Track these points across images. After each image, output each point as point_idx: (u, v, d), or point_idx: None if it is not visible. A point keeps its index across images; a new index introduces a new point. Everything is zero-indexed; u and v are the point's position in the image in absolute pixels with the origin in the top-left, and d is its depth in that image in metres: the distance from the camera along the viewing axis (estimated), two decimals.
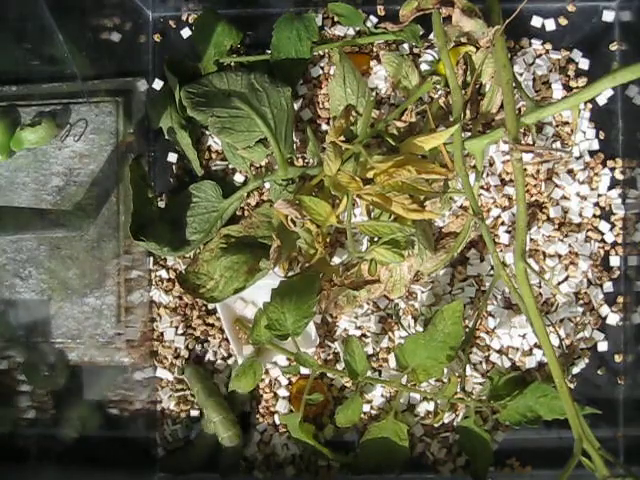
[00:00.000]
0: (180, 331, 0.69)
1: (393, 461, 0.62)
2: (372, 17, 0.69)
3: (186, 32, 0.71)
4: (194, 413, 0.69)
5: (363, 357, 0.60)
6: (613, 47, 0.68)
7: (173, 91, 0.65)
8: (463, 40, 0.64)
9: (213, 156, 0.70)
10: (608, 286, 0.67)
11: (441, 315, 0.59)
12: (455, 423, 0.67)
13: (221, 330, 0.69)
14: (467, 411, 0.63)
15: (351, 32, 0.69)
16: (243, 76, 0.64)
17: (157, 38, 0.71)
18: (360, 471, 0.63)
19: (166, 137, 0.67)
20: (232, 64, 0.68)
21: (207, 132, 0.69)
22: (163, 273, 0.70)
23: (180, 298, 0.70)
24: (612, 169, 0.67)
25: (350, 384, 0.67)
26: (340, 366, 0.67)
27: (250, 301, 0.68)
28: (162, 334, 0.70)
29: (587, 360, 0.67)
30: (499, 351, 0.67)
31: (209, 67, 0.67)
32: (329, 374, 0.68)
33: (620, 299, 0.67)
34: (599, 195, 0.67)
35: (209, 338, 0.69)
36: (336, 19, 0.69)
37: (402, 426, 0.61)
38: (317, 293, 0.61)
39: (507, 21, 0.57)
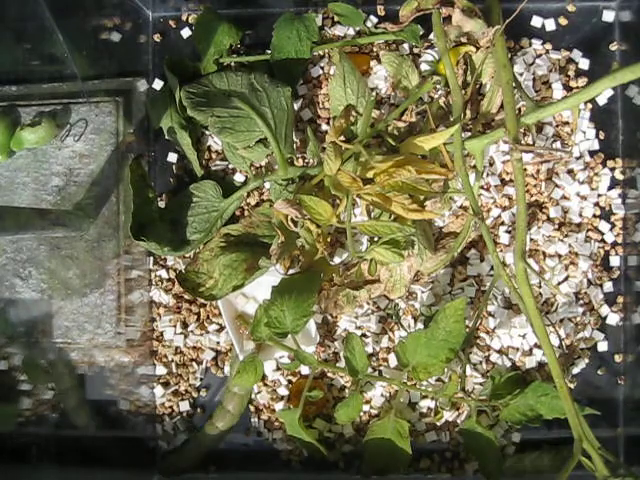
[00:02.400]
0: (179, 330, 0.69)
1: (398, 461, 0.61)
2: (372, 17, 0.69)
3: (186, 32, 0.71)
4: (188, 408, 0.70)
5: (363, 354, 0.60)
6: (613, 47, 0.68)
7: (173, 91, 0.65)
8: (463, 40, 0.64)
9: (213, 156, 0.70)
10: (608, 286, 0.67)
11: (443, 313, 0.59)
12: (459, 421, 0.67)
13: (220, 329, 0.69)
14: (469, 412, 0.63)
15: (351, 32, 0.69)
16: (243, 76, 0.64)
17: (157, 38, 0.71)
18: (366, 473, 0.63)
19: (166, 137, 0.67)
20: (232, 64, 0.68)
21: (207, 132, 0.69)
22: (163, 273, 0.70)
23: (180, 298, 0.70)
24: (612, 169, 0.67)
25: (350, 383, 0.67)
26: (340, 366, 0.67)
27: (251, 297, 0.68)
28: (162, 333, 0.70)
29: (587, 360, 0.67)
30: (499, 351, 0.67)
31: (209, 67, 0.67)
32: (329, 374, 0.68)
33: (620, 299, 0.67)
34: (599, 195, 0.67)
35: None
36: (336, 19, 0.69)
37: (403, 423, 0.61)
38: (317, 292, 0.61)
39: (507, 21, 0.57)
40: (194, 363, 0.70)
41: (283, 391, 0.68)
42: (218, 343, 0.69)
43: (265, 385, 0.69)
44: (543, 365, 0.66)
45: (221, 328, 0.69)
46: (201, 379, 0.70)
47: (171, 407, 0.70)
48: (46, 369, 0.65)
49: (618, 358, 0.67)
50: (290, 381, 0.68)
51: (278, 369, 0.69)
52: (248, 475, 0.69)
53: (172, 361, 0.70)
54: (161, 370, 0.70)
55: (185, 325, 0.70)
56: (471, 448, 0.63)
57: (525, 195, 0.57)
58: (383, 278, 0.64)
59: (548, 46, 0.68)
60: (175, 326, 0.69)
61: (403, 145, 0.61)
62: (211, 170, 0.70)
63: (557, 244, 0.66)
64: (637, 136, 0.66)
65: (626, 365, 0.67)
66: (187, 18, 0.71)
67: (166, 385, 0.70)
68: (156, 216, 0.65)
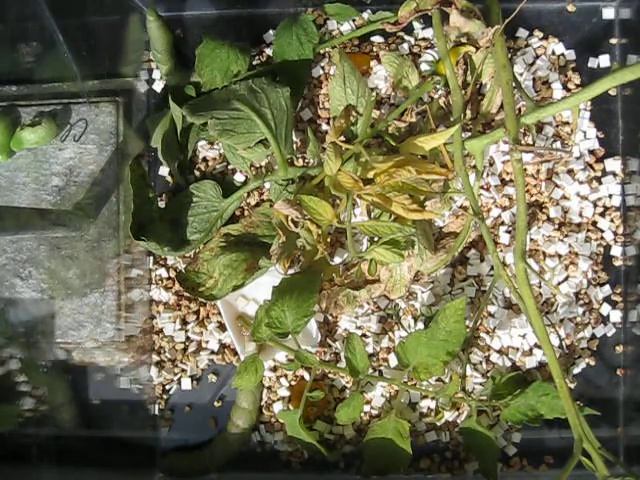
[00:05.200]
0: (179, 328, 0.69)
1: (398, 461, 0.61)
2: (369, 12, 0.69)
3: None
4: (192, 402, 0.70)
5: (364, 354, 0.60)
6: (613, 47, 0.68)
7: (176, 121, 0.65)
8: (463, 40, 0.64)
9: (210, 163, 0.70)
10: (608, 286, 0.67)
11: (443, 313, 0.59)
12: (459, 421, 0.67)
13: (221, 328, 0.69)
14: (469, 412, 0.63)
15: (350, 28, 0.69)
16: (242, 80, 0.64)
17: None
18: (367, 473, 0.63)
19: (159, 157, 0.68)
20: None
21: (201, 148, 0.69)
22: (163, 272, 0.70)
23: (180, 297, 0.70)
24: (612, 169, 0.67)
25: (351, 384, 0.67)
26: (341, 366, 0.67)
27: (251, 298, 0.68)
28: (162, 331, 0.70)
29: (587, 360, 0.67)
30: (499, 351, 0.67)
31: (212, 87, 0.66)
32: (330, 375, 0.68)
33: (620, 299, 0.67)
34: (599, 195, 0.67)
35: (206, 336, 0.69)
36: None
37: (404, 423, 0.61)
38: (318, 292, 0.61)
39: (507, 21, 0.57)
40: (194, 361, 0.70)
41: (284, 392, 0.68)
42: (220, 340, 0.69)
43: (267, 386, 0.69)
44: (543, 365, 0.66)
45: (221, 326, 0.69)
46: (202, 375, 0.70)
47: (173, 404, 0.70)
48: (45, 369, 0.65)
49: (618, 358, 0.67)
50: (290, 384, 0.68)
51: (274, 370, 0.69)
52: (248, 475, 0.69)
53: (172, 358, 0.70)
54: (161, 368, 0.70)
55: (185, 323, 0.70)
56: (471, 448, 0.63)
57: (525, 195, 0.57)
58: (383, 278, 0.64)
59: (548, 46, 0.68)
60: (175, 323, 0.69)
61: (403, 145, 0.61)
62: (210, 172, 0.70)
63: (557, 244, 0.66)
64: (637, 136, 0.66)
65: (627, 365, 0.67)
66: (187, 18, 0.71)
67: (166, 382, 0.70)
68: (156, 216, 0.65)
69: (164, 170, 0.71)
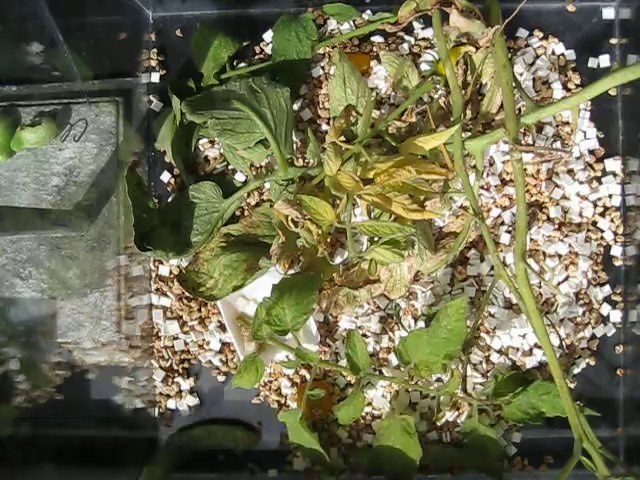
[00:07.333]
0: (179, 328, 0.69)
1: (409, 467, 0.61)
2: (369, 12, 0.69)
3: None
4: (193, 402, 0.70)
5: (365, 351, 0.60)
6: (613, 47, 0.68)
7: (175, 113, 0.65)
8: (463, 40, 0.64)
9: (211, 162, 0.70)
10: (608, 286, 0.67)
11: (445, 312, 0.59)
12: (459, 421, 0.67)
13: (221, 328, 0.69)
14: (469, 412, 0.63)
15: (349, 27, 0.69)
16: (242, 80, 0.64)
17: (157, 38, 0.71)
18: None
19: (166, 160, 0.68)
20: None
21: (201, 148, 0.69)
22: (163, 272, 0.70)
23: (180, 297, 0.70)
24: (612, 169, 0.67)
25: (353, 381, 0.67)
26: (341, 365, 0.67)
27: (251, 298, 0.68)
28: (162, 332, 0.70)
29: (587, 360, 0.67)
30: (499, 351, 0.67)
31: (211, 82, 0.66)
32: (333, 375, 0.68)
33: (620, 299, 0.67)
34: (599, 195, 0.67)
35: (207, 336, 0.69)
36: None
37: (408, 419, 0.61)
38: (318, 291, 0.61)
39: (506, 21, 0.57)
40: (194, 360, 0.70)
41: (287, 392, 0.68)
42: (220, 340, 0.69)
43: (270, 388, 0.69)
44: (543, 365, 0.66)
45: (222, 326, 0.69)
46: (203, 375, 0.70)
47: (173, 404, 0.70)
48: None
49: (618, 358, 0.67)
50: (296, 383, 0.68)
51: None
52: (249, 475, 0.69)
53: (172, 358, 0.70)
54: (161, 367, 0.70)
55: (185, 323, 0.70)
56: (473, 447, 0.63)
57: (525, 195, 0.57)
58: (383, 278, 0.64)
59: (548, 46, 0.68)
60: (175, 323, 0.69)
61: (403, 145, 0.61)
62: (211, 172, 0.70)
63: (557, 244, 0.66)
64: (637, 136, 0.66)
65: (626, 365, 0.67)
66: (187, 18, 0.71)
67: (167, 382, 0.70)
68: (157, 222, 0.65)
69: (165, 170, 0.71)
